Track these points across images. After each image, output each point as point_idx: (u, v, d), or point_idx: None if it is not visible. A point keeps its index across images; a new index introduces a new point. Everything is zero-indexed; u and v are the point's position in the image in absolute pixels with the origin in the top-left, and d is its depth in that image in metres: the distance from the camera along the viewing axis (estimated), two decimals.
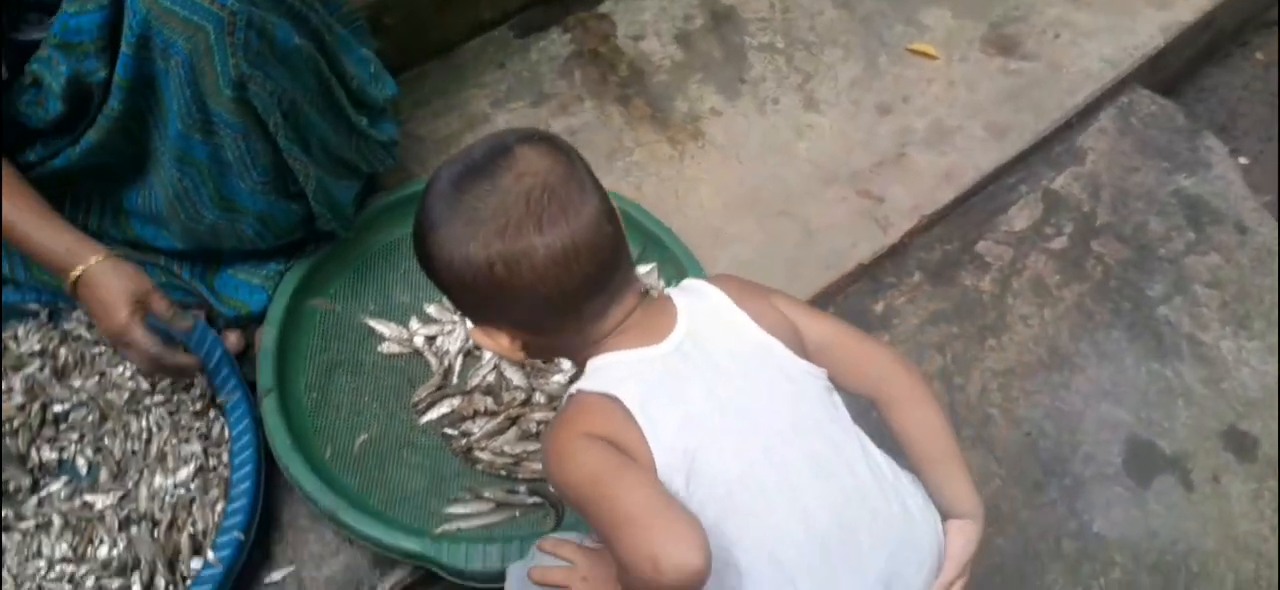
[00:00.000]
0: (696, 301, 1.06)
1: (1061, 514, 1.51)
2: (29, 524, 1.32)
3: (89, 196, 1.43)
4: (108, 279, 1.27)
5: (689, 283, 1.11)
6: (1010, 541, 1.48)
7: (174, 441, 1.39)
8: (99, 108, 1.29)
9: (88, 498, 1.34)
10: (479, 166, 0.96)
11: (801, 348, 1.07)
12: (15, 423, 1.41)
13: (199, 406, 1.42)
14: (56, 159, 1.33)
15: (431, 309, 1.59)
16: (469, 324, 1.07)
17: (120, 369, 1.46)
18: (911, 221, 1.79)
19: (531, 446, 1.44)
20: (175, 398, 1.44)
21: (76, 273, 1.27)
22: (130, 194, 1.42)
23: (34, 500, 1.35)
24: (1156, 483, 1.55)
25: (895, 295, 1.76)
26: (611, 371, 1.00)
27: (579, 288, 0.96)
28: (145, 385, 1.44)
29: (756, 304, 1.07)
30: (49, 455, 1.40)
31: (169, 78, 1.23)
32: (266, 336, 1.45)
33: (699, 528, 0.87)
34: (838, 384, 1.09)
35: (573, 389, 1.01)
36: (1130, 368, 1.69)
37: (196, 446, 1.38)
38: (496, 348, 1.03)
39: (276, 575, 1.35)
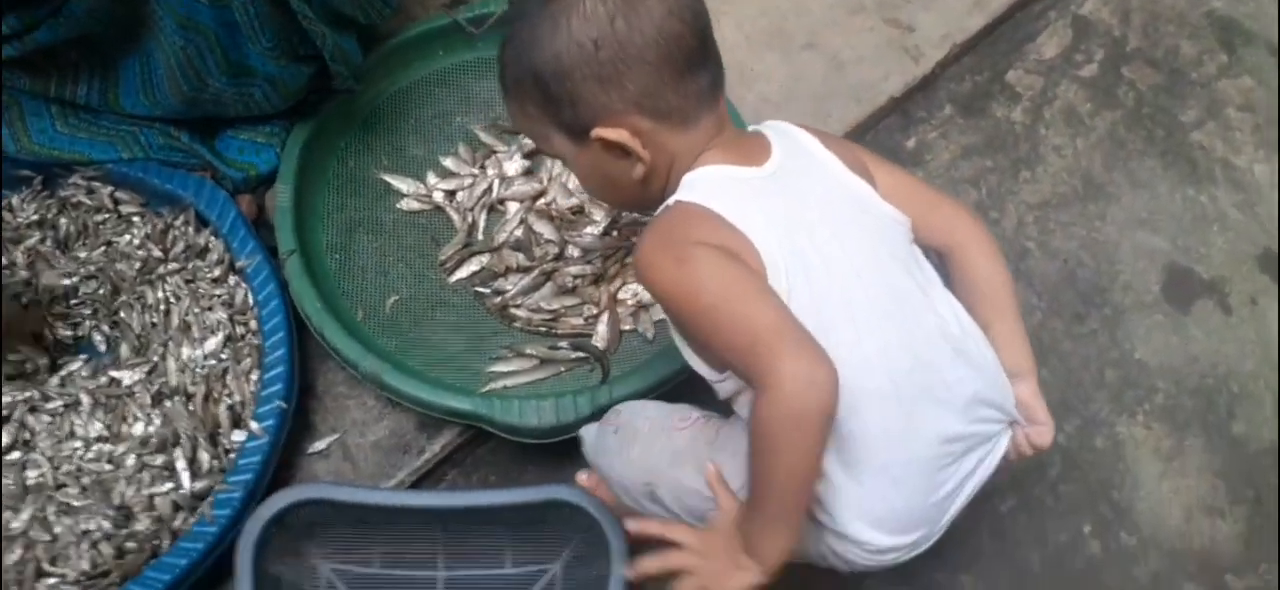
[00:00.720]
0: (786, 139, 1.03)
1: (1103, 343, 1.50)
2: (56, 404, 1.25)
3: (76, 67, 1.31)
4: None
5: (772, 123, 1.07)
6: (1053, 373, 1.47)
7: (196, 311, 1.32)
8: None
9: (114, 374, 1.28)
10: None
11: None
12: (24, 299, 1.33)
13: (217, 272, 1.35)
14: (39, 31, 1.21)
15: (448, 162, 1.51)
16: (568, 147, 1.01)
17: (127, 237, 1.38)
18: (943, 51, 1.72)
19: (568, 301, 1.39)
20: (190, 265, 1.36)
21: None
22: (124, 63, 1.31)
23: (55, 380, 1.29)
24: (1195, 308, 1.55)
25: (926, 129, 1.70)
26: (708, 185, 0.97)
27: (689, 54, 0.95)
28: (157, 252, 1.36)
29: (840, 148, 1.05)
30: (63, 332, 1.33)
31: None
32: (281, 195, 1.37)
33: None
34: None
35: (669, 200, 0.98)
36: (1165, 195, 1.66)
37: (221, 314, 1.31)
38: (621, 139, 0.96)
39: (320, 444, 1.31)
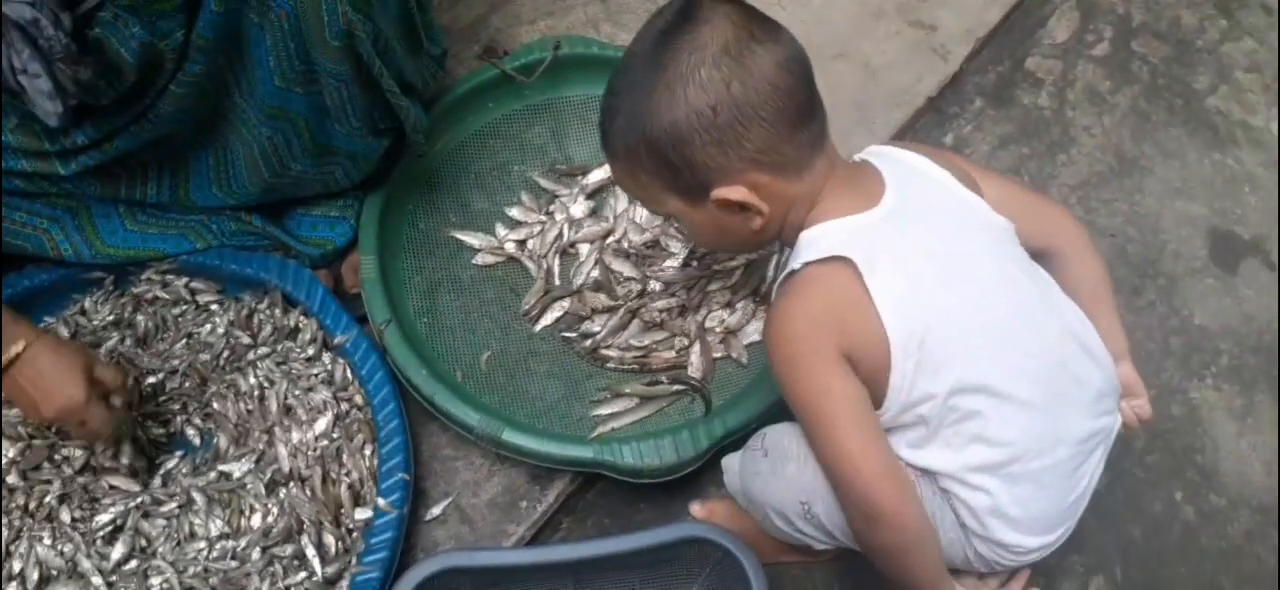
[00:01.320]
0: (895, 165, 1.06)
1: (1162, 312, 1.56)
2: (170, 507, 1.23)
3: (146, 167, 1.28)
4: (55, 354, 1.11)
5: (874, 148, 1.11)
6: None
7: (296, 393, 1.30)
8: (172, 75, 1.15)
9: (222, 468, 1.26)
10: (672, 26, 0.97)
11: None
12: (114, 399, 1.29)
13: (310, 352, 1.33)
14: (120, 138, 1.19)
15: (513, 212, 1.52)
16: (683, 208, 1.03)
17: (207, 327, 1.36)
18: (968, 46, 1.77)
19: (658, 336, 1.40)
20: (280, 347, 1.34)
21: (15, 350, 1.09)
22: (196, 158, 1.28)
23: (156, 481, 1.26)
24: (1242, 268, 1.61)
25: (961, 124, 1.75)
26: (830, 239, 0.99)
27: (800, 105, 0.97)
28: (245, 338, 1.34)
29: (947, 162, 1.08)
30: (156, 431, 1.30)
31: (264, 33, 1.12)
32: (367, 267, 1.36)
33: (906, 485, 0.99)
34: None
35: (795, 263, 0.99)
36: (1194, 162, 1.72)
37: (325, 393, 1.30)
38: (741, 198, 0.99)
39: (435, 510, 1.30)
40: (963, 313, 0.99)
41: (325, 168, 1.30)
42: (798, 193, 1.00)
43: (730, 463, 1.13)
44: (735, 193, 0.98)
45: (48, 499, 1.22)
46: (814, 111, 0.99)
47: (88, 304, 1.35)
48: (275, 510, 1.22)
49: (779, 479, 1.05)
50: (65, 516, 1.22)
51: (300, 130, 1.23)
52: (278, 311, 1.35)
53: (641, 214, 1.50)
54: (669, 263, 1.45)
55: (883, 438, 0.99)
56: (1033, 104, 1.78)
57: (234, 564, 1.19)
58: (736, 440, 1.30)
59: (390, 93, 1.22)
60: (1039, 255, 1.12)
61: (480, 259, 1.47)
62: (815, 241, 0.99)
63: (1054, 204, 1.18)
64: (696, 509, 1.33)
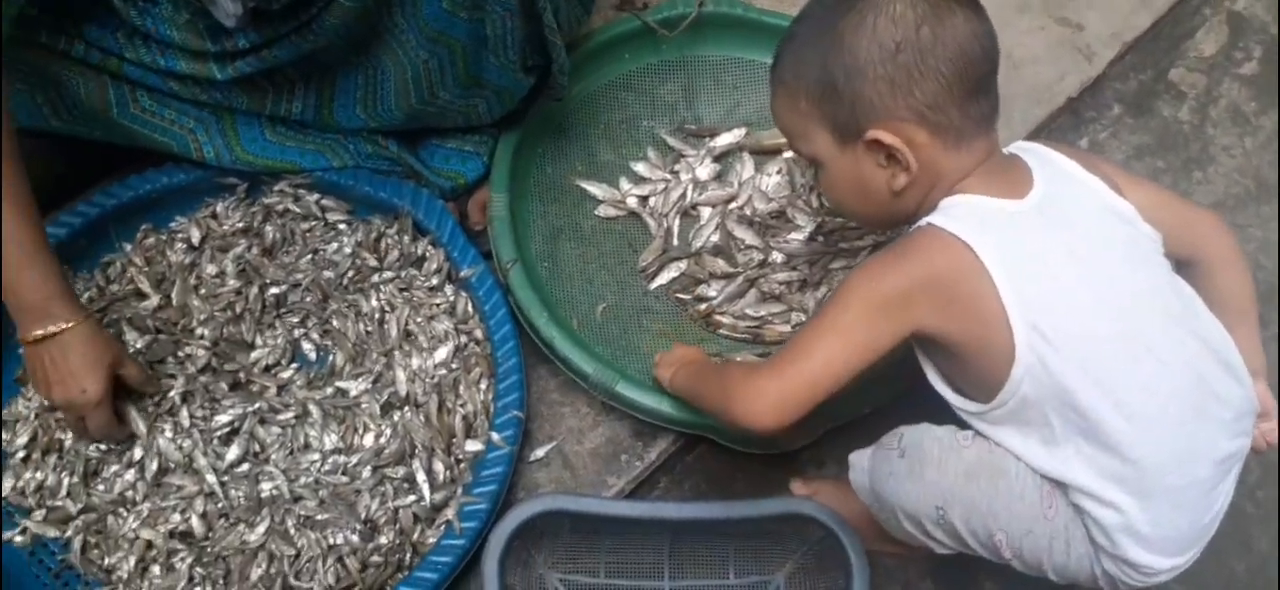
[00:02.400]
0: (1046, 164, 1.03)
1: None
2: (288, 416, 1.25)
3: (293, 83, 1.30)
4: (86, 345, 1.12)
5: (1025, 145, 1.08)
6: None
7: (418, 320, 1.31)
8: None
9: (340, 384, 1.28)
10: None
11: None
12: (237, 308, 1.32)
13: (434, 282, 1.35)
14: (279, 47, 1.19)
15: (639, 167, 1.51)
16: (829, 148, 1.03)
17: (334, 245, 1.38)
18: (1113, 50, 1.71)
19: (775, 308, 1.39)
20: (404, 273, 1.35)
21: (51, 330, 1.10)
22: (345, 77, 1.29)
23: (272, 390, 1.28)
24: None
25: (1097, 129, 1.70)
26: (969, 215, 0.98)
27: (980, 78, 0.97)
28: (372, 260, 1.35)
29: (1097, 168, 1.05)
30: (277, 340, 1.32)
31: None
32: (497, 204, 1.36)
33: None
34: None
35: (923, 221, 0.99)
36: None
37: (447, 323, 1.31)
38: (895, 144, 0.98)
39: (539, 452, 1.31)
40: (1101, 318, 0.96)
41: (471, 100, 1.31)
42: (949, 166, 0.99)
43: (859, 459, 1.12)
44: (891, 137, 0.97)
45: (171, 395, 1.25)
46: (989, 91, 0.99)
47: (220, 208, 1.38)
48: (388, 432, 1.24)
49: (916, 482, 1.03)
50: (185, 416, 1.25)
51: (456, 57, 1.24)
52: (406, 238, 1.36)
53: (768, 182, 1.48)
54: (794, 235, 1.43)
55: (825, 396, 1.00)
56: (1173, 117, 1.72)
57: (344, 479, 1.21)
58: (846, 424, 1.29)
59: (549, 29, 1.22)
60: (1185, 263, 1.10)
61: (602, 210, 1.47)
62: (952, 208, 0.98)
63: (1205, 211, 1.15)
64: (798, 486, 1.32)
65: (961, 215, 0.98)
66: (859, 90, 0.97)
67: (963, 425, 1.05)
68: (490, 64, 1.27)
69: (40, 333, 1.10)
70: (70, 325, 1.11)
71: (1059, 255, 0.97)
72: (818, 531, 1.21)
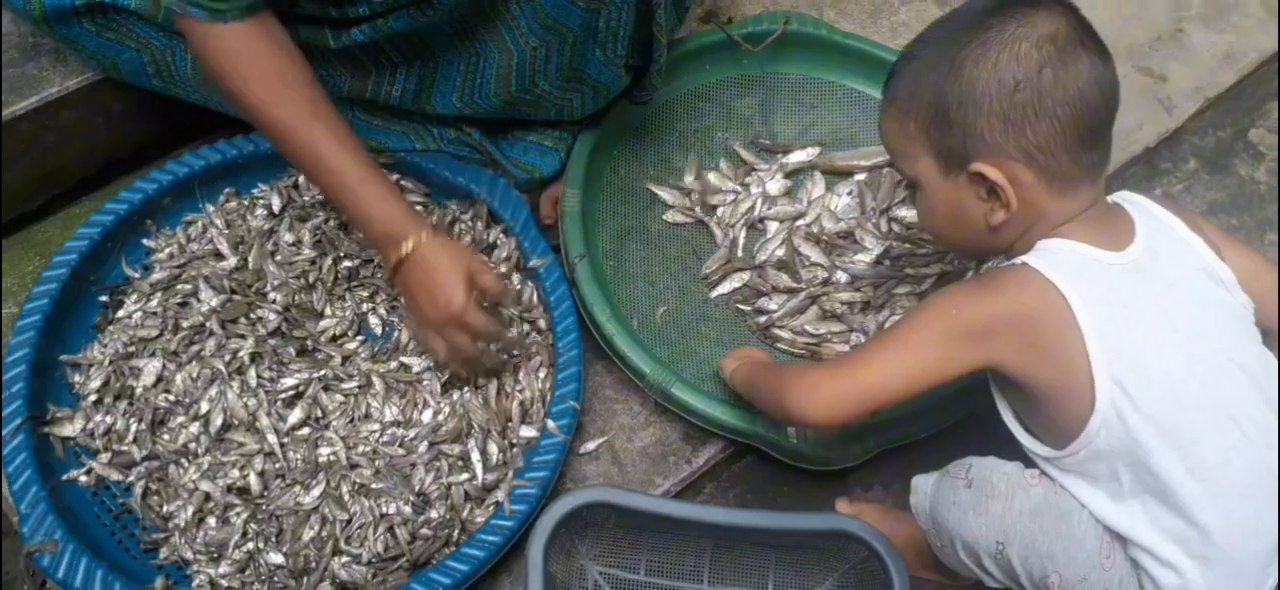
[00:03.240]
0: (1149, 218, 1.03)
1: None
2: (351, 385, 1.28)
3: (396, 67, 1.32)
4: (442, 256, 1.15)
5: (1130, 195, 1.08)
6: None
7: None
8: None
9: (403, 359, 1.31)
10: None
11: None
12: (310, 277, 1.36)
13: (503, 270, 1.37)
14: (396, 17, 1.21)
15: (711, 176, 1.53)
16: (932, 174, 1.04)
17: None
18: (1195, 104, 1.70)
19: (835, 327, 1.39)
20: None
21: (407, 248, 1.14)
22: (447, 61, 1.31)
23: (338, 360, 1.31)
24: None
25: (1171, 181, 1.68)
26: (1065, 259, 0.97)
27: (1095, 126, 0.97)
28: None
29: (1200, 227, 1.05)
30: (345, 312, 1.36)
31: None
32: (570, 200, 1.39)
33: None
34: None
35: (1018, 259, 0.99)
36: None
37: (512, 311, 1.33)
38: (999, 180, 0.98)
39: (590, 445, 1.33)
40: (1188, 382, 0.95)
41: (568, 93, 1.33)
42: (1052, 209, 0.99)
43: (923, 484, 1.11)
44: (994, 171, 0.97)
45: (241, 353, 1.29)
46: (1103, 139, 0.99)
47: (302, 179, 1.42)
48: (447, 410, 1.27)
49: (980, 515, 1.02)
50: (252, 376, 1.29)
51: (565, 47, 1.25)
52: (480, 224, 1.39)
53: (838, 203, 1.49)
54: (860, 256, 1.44)
55: (880, 405, 1.01)
56: (1249, 176, 1.70)
57: (401, 452, 1.24)
58: (898, 448, 1.29)
59: (657, 27, 1.24)
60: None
61: (670, 215, 1.49)
62: (1049, 251, 0.98)
63: None
64: (843, 505, 1.32)
65: (1058, 260, 0.97)
66: (971, 122, 0.97)
67: (1029, 463, 1.05)
68: (595, 58, 1.28)
69: (405, 250, 1.14)
70: (426, 234, 1.15)
71: (1152, 313, 0.96)
72: (861, 550, 1.20)
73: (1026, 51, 0.94)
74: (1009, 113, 0.95)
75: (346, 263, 1.38)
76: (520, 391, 1.28)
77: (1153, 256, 0.98)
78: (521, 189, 1.43)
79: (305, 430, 1.27)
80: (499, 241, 1.38)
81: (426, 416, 1.27)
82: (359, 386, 1.28)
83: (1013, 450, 1.06)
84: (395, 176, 1.42)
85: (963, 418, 1.27)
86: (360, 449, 1.24)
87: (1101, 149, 0.99)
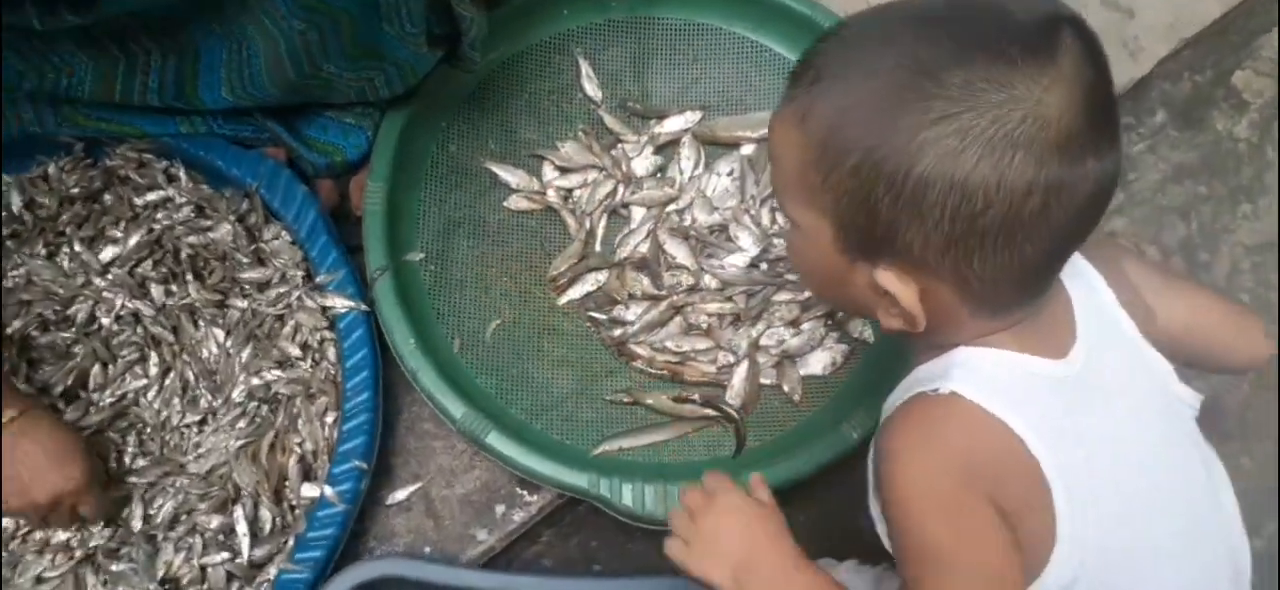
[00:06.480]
0: (1086, 299, 0.76)
1: None
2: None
3: (149, 54, 1.07)
4: (51, 427, 0.96)
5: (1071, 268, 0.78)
6: (1261, 460, 1.22)
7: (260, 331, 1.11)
8: None
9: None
10: (1026, 32, 0.64)
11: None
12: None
13: (282, 289, 1.13)
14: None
15: (567, 147, 1.27)
16: (818, 236, 0.72)
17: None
18: (1167, 45, 1.41)
19: (700, 344, 1.16)
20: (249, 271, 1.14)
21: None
22: (206, 49, 1.06)
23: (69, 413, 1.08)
24: None
25: (1133, 139, 1.41)
26: (996, 378, 0.70)
27: (1067, 253, 0.70)
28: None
29: (1123, 287, 0.78)
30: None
31: None
32: (372, 196, 1.14)
33: None
34: (1196, 366, 0.83)
35: (941, 386, 0.70)
36: None
37: (289, 346, 1.10)
38: (906, 300, 0.70)
39: (400, 494, 1.12)
40: (1135, 524, 0.72)
41: (365, 73, 1.08)
42: (973, 329, 0.72)
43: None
44: (905, 292, 0.69)
45: None
46: (1068, 251, 0.71)
47: (53, 170, 1.16)
48: (213, 458, 1.05)
49: None
50: None
51: (341, 27, 1.02)
52: (253, 223, 1.14)
53: (716, 185, 1.24)
54: (733, 259, 1.19)
55: None
56: (1227, 132, 1.43)
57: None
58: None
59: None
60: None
61: (513, 202, 1.24)
62: (975, 369, 0.71)
63: (1257, 323, 0.86)
64: None
65: (994, 384, 0.70)
66: (901, 224, 0.66)
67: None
68: (385, 35, 1.05)
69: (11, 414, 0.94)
70: (24, 409, 0.95)
71: (1099, 446, 0.71)
72: None
73: (1014, 162, 0.62)
74: (959, 237, 0.65)
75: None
76: (299, 444, 1.06)
77: (1096, 367, 0.73)
78: (323, 175, 1.18)
79: None
80: (277, 248, 1.13)
81: (177, 484, 1.05)
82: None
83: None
84: (163, 163, 1.16)
85: (829, 462, 1.04)
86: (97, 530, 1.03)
87: (1059, 268, 0.71)
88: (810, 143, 0.69)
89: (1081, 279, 0.75)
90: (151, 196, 1.14)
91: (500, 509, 1.12)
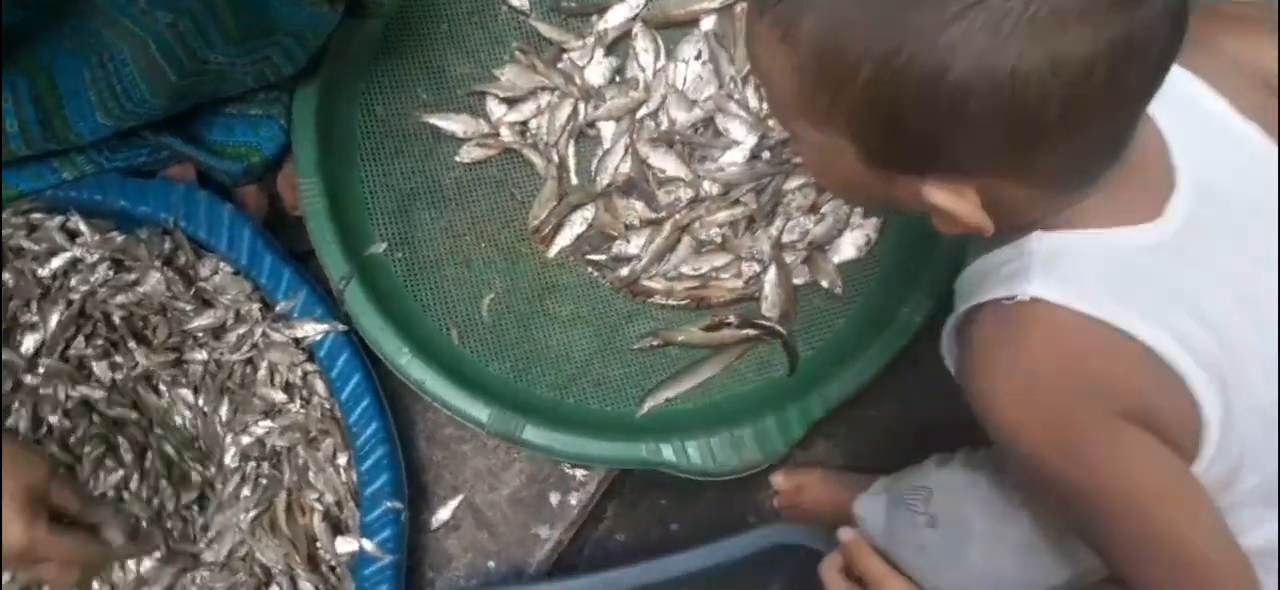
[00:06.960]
0: (1187, 122, 0.65)
1: None
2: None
3: None
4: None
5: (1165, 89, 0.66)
6: None
7: (230, 385, 0.94)
8: None
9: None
10: None
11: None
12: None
13: (242, 330, 0.95)
14: None
15: (506, 74, 1.10)
16: (839, 153, 0.60)
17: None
18: None
19: (718, 260, 1.05)
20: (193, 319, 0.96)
21: None
22: (66, 67, 0.87)
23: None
24: None
25: None
26: (1081, 269, 0.60)
27: (1142, 99, 0.57)
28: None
29: (1226, 76, 0.67)
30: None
31: None
32: (308, 193, 0.97)
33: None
34: None
35: (1018, 290, 0.60)
36: None
37: (268, 391, 0.94)
38: (965, 213, 0.58)
39: (443, 513, 0.99)
40: (1272, 382, 0.63)
41: (258, 53, 0.91)
42: (1051, 204, 0.61)
43: (870, 511, 0.82)
44: (965, 206, 0.58)
45: None
46: (1140, 107, 0.59)
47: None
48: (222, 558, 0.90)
49: (955, 565, 0.73)
50: None
51: (217, 8, 0.86)
52: (184, 257, 0.96)
53: (685, 75, 1.10)
54: (729, 156, 1.06)
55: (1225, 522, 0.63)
56: None
57: None
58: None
59: None
60: None
61: (465, 153, 1.08)
62: (1056, 261, 0.61)
63: None
64: (779, 480, 1.02)
65: (1081, 276, 0.60)
66: (939, 136, 0.56)
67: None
68: (271, 2, 0.88)
69: None
70: None
71: (1226, 300, 0.62)
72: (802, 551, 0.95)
73: (1066, 38, 0.51)
74: (1016, 139, 0.55)
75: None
76: (318, 499, 0.91)
77: (1204, 210, 0.62)
78: (242, 183, 1.00)
79: None
80: (218, 283, 0.95)
81: (197, 580, 0.89)
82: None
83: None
84: (58, 219, 0.96)
85: (897, 356, 0.96)
86: None
87: (1136, 123, 0.60)
88: (803, 61, 0.57)
89: (1173, 97, 0.62)
90: (56, 262, 0.93)
91: (555, 498, 1.00)
